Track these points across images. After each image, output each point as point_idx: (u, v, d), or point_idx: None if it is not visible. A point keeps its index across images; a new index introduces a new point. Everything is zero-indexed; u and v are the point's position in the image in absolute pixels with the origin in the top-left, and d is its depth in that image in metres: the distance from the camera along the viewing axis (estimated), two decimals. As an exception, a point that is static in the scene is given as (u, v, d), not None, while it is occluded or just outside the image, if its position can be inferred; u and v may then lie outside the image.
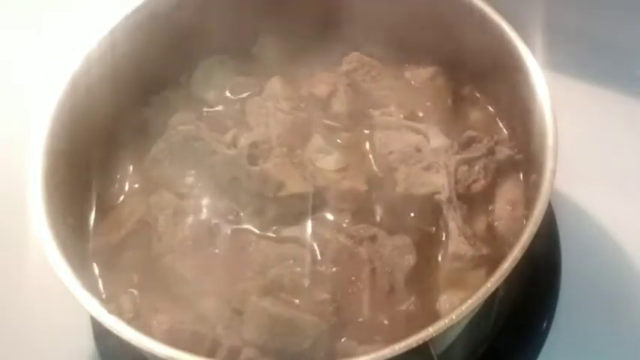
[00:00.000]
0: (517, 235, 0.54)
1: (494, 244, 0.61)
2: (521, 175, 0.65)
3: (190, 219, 0.64)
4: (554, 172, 0.56)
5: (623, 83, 0.84)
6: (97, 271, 0.63)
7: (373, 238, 0.62)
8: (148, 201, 0.66)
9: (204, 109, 0.73)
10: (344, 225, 0.63)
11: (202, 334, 0.57)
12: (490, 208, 0.64)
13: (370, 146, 0.68)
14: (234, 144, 0.66)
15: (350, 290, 0.59)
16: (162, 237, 0.63)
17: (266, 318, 0.56)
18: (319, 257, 0.62)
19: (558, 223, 0.73)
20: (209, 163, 0.66)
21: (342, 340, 0.57)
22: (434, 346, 0.50)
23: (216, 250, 0.63)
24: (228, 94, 0.74)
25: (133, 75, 0.70)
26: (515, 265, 0.52)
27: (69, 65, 0.65)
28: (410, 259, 0.60)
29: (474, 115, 0.71)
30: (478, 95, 0.72)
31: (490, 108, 0.71)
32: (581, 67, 0.85)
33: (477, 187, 0.63)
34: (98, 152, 0.68)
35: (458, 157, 0.64)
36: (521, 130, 0.64)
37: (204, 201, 0.66)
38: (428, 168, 0.64)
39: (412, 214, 0.63)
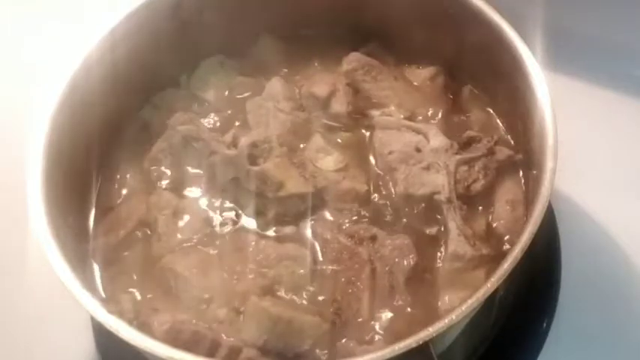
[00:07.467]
0: (517, 235, 0.54)
1: (494, 244, 0.61)
2: (521, 175, 0.65)
3: (190, 219, 0.65)
4: (554, 171, 0.56)
5: (623, 83, 0.84)
6: (97, 271, 0.63)
7: (373, 238, 0.62)
8: (148, 201, 0.66)
9: (204, 110, 0.73)
10: (344, 225, 0.63)
11: (202, 334, 0.57)
12: (490, 208, 0.64)
13: (370, 146, 0.68)
14: (234, 144, 0.66)
15: (350, 290, 0.59)
16: (162, 237, 0.63)
17: (266, 318, 0.56)
18: (319, 257, 0.62)
19: (558, 223, 0.73)
20: (209, 163, 0.66)
21: (342, 340, 0.57)
22: (434, 346, 0.50)
23: (216, 250, 0.63)
24: (228, 94, 0.74)
25: (133, 75, 0.70)
26: (515, 265, 0.52)
27: (69, 65, 0.65)
28: (410, 259, 0.60)
29: (474, 115, 0.71)
30: (478, 95, 0.72)
31: (490, 108, 0.71)
32: (581, 67, 0.85)
33: (477, 187, 0.63)
34: (98, 152, 0.68)
35: (458, 157, 0.64)
36: (521, 130, 0.64)
37: (204, 201, 0.66)
38: (428, 168, 0.64)
39: (412, 214, 0.63)
